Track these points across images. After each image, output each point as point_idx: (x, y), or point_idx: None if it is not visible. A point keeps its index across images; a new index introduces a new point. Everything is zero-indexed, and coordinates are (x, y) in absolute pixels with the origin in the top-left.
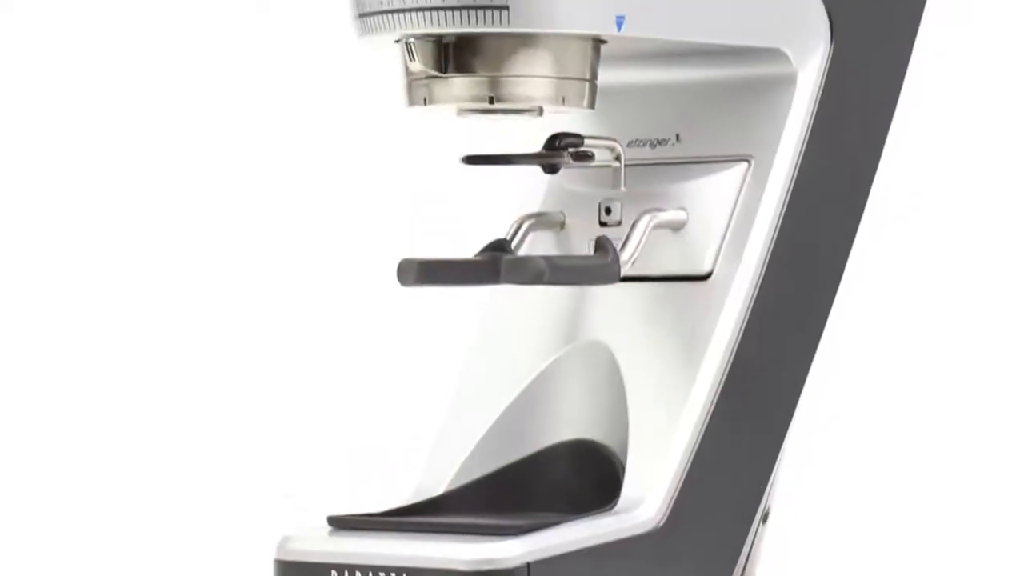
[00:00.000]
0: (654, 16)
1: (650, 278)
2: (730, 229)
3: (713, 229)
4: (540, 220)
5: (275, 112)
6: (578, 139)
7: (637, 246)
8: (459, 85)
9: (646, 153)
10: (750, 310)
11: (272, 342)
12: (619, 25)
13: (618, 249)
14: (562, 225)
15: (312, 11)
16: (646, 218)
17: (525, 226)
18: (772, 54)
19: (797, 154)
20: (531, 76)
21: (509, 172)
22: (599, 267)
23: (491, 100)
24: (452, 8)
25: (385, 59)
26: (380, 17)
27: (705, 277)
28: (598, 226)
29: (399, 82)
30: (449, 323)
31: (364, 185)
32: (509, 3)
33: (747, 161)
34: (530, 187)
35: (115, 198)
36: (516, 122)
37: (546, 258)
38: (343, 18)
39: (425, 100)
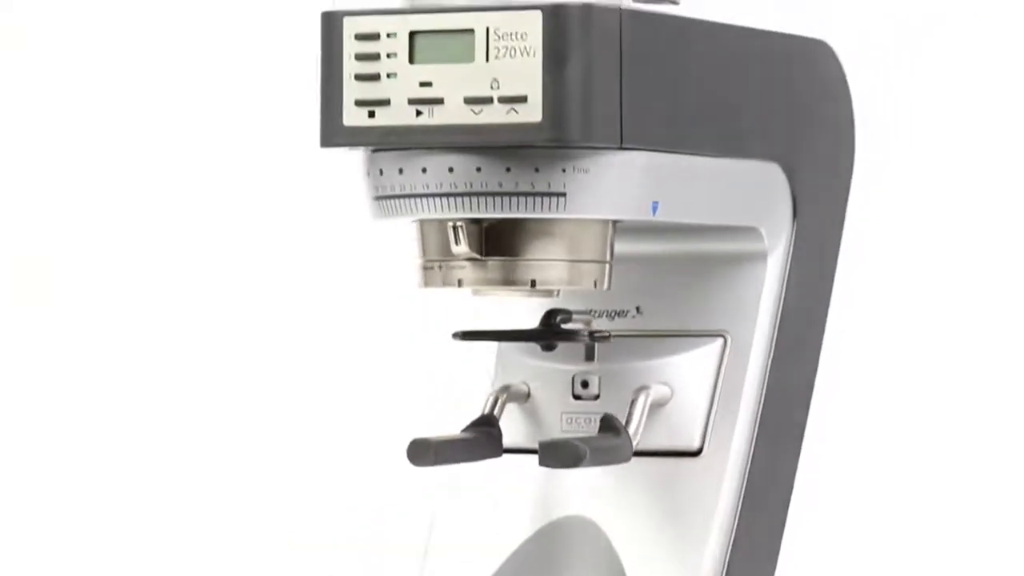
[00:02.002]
0: (676, 201)
1: (640, 453)
2: (715, 406)
3: (697, 405)
4: (511, 392)
5: (276, 113)
6: (568, 315)
7: (639, 425)
8: (500, 268)
9: (604, 324)
10: (745, 485)
11: (270, 344)
12: (654, 210)
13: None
14: (527, 396)
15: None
16: (643, 397)
17: (501, 400)
18: (746, 232)
19: (773, 328)
20: (573, 260)
21: None
22: (621, 447)
23: (533, 284)
24: (512, 194)
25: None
26: (433, 200)
27: (696, 453)
28: (572, 399)
29: (413, 262)
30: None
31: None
32: (567, 191)
33: (723, 336)
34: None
35: (114, 199)
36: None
37: (582, 440)
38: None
39: (460, 282)
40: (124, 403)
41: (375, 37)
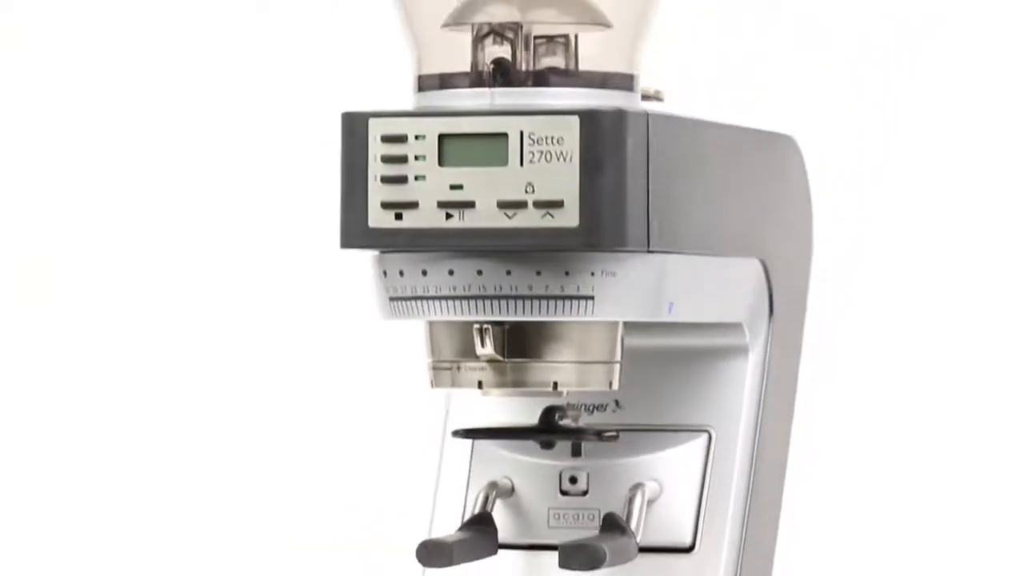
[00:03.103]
0: (686, 301)
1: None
2: (705, 502)
3: (686, 501)
4: (498, 489)
5: (277, 115)
6: (564, 412)
7: (639, 522)
8: (521, 370)
9: (584, 418)
10: None
11: (270, 344)
12: (669, 310)
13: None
14: (511, 491)
15: (313, 12)
16: (639, 495)
17: (491, 497)
18: (727, 327)
19: (756, 422)
20: (591, 361)
21: None
22: (629, 546)
23: (555, 386)
24: (542, 298)
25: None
26: (459, 302)
27: (688, 550)
28: (559, 495)
29: (423, 362)
30: None
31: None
32: (595, 294)
33: (708, 432)
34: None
35: (114, 199)
36: None
37: (600, 540)
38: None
39: (480, 384)
40: (124, 403)
41: (403, 139)
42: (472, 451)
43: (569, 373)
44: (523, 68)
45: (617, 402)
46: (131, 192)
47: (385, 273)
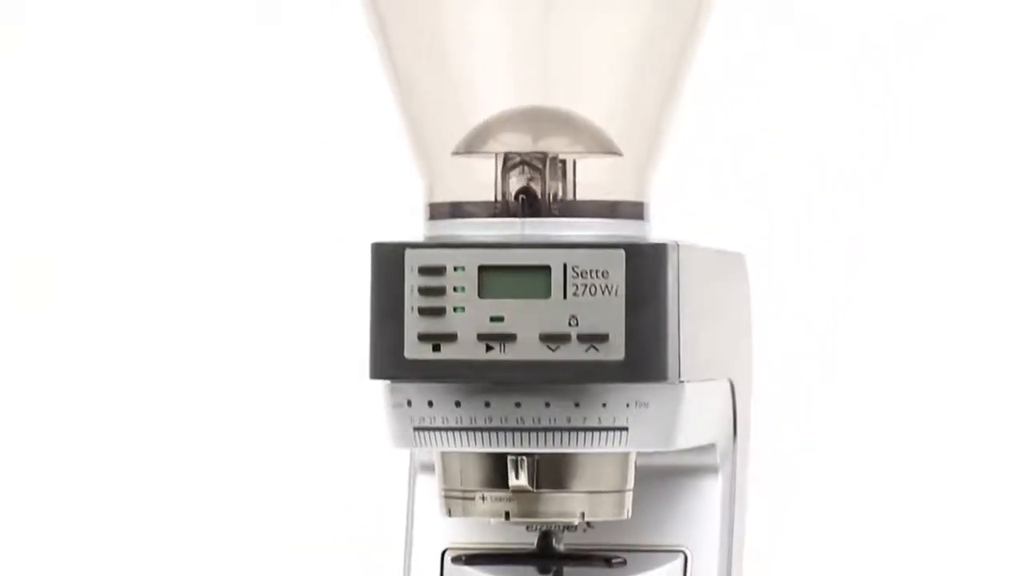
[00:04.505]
0: (693, 427)
1: None
2: None
3: None
4: None
5: (279, 119)
6: (557, 535)
7: None
8: (551, 501)
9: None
10: None
11: (270, 344)
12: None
13: None
14: None
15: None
16: None
17: None
18: (702, 447)
19: (727, 541)
20: (614, 491)
21: None
22: None
23: (583, 515)
24: (579, 430)
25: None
26: (494, 434)
27: None
28: None
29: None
30: None
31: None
32: (629, 425)
33: (683, 552)
34: None
35: (114, 199)
36: None
37: None
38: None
39: (507, 515)
40: (124, 403)
41: (441, 271)
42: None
43: (595, 503)
44: (550, 197)
45: (589, 523)
46: (131, 193)
47: (409, 403)
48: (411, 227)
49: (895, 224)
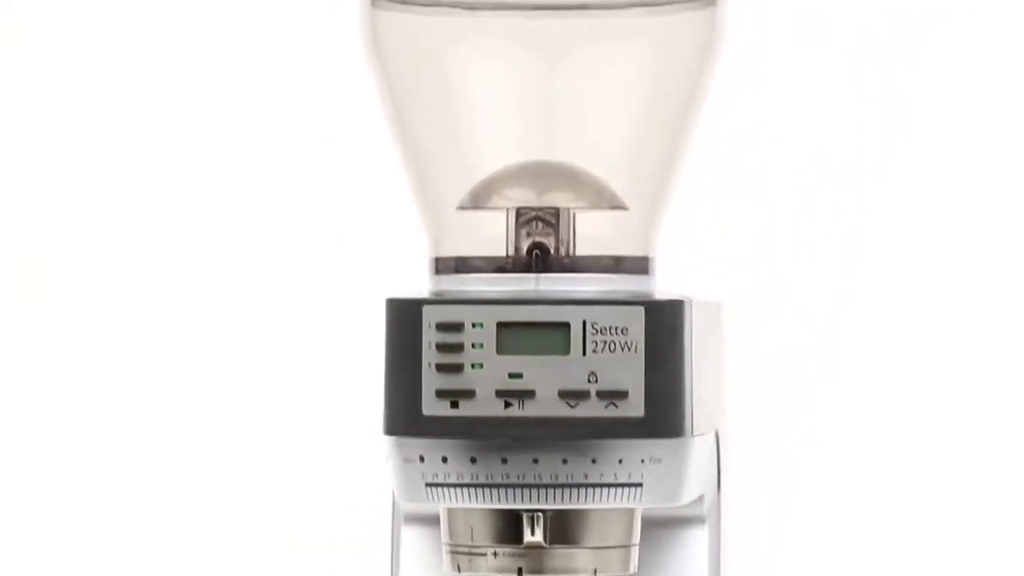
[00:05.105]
0: (696, 481)
1: None
2: None
3: None
4: None
5: (276, 118)
6: None
7: None
8: (566, 557)
9: None
10: None
11: (271, 344)
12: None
13: None
14: None
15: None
16: None
17: None
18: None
19: None
20: (624, 545)
21: None
22: None
23: (595, 572)
24: (595, 486)
25: None
26: (511, 491)
27: None
28: None
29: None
30: None
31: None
32: (643, 481)
33: None
34: None
35: (114, 200)
36: None
37: None
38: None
39: (520, 571)
40: (124, 403)
41: (459, 327)
42: None
43: (604, 558)
44: (562, 252)
45: None
46: (131, 194)
47: (422, 458)
48: (409, 280)
49: (894, 223)
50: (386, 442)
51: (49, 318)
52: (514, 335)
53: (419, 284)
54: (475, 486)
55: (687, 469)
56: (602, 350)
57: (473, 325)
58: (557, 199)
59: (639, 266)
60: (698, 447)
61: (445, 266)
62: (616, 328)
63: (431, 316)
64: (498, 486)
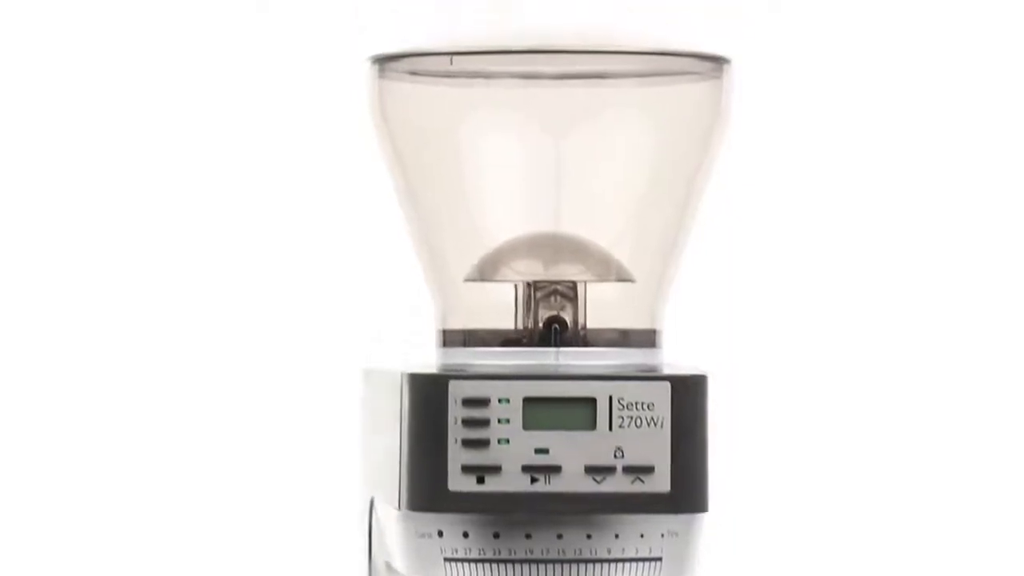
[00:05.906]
0: None
1: None
2: None
3: None
4: None
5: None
6: None
7: None
8: None
9: None
10: None
11: (270, 344)
12: None
13: None
14: None
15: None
16: None
17: None
18: None
19: None
20: None
21: None
22: None
23: None
24: (617, 560)
25: None
26: (534, 566)
27: None
28: None
29: None
30: None
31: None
32: (663, 555)
33: None
34: None
35: (114, 200)
36: None
37: None
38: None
39: None
40: (124, 403)
41: (485, 403)
42: None
43: None
44: (579, 326)
45: None
46: (131, 195)
47: (441, 533)
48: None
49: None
50: (396, 516)
51: (49, 318)
52: (540, 410)
53: (403, 355)
54: (498, 561)
55: (698, 543)
56: (628, 425)
57: (499, 400)
58: (564, 272)
59: (648, 339)
60: (709, 521)
61: (453, 339)
62: (642, 404)
63: (457, 391)
64: (521, 561)
